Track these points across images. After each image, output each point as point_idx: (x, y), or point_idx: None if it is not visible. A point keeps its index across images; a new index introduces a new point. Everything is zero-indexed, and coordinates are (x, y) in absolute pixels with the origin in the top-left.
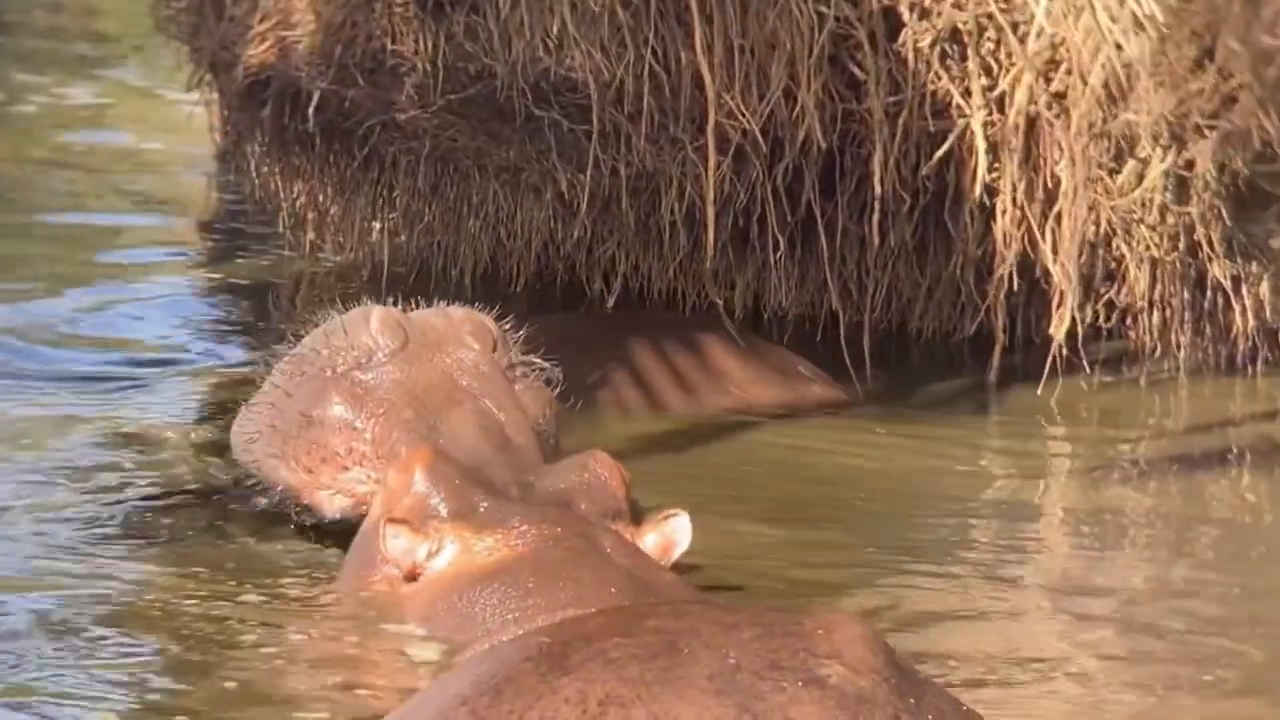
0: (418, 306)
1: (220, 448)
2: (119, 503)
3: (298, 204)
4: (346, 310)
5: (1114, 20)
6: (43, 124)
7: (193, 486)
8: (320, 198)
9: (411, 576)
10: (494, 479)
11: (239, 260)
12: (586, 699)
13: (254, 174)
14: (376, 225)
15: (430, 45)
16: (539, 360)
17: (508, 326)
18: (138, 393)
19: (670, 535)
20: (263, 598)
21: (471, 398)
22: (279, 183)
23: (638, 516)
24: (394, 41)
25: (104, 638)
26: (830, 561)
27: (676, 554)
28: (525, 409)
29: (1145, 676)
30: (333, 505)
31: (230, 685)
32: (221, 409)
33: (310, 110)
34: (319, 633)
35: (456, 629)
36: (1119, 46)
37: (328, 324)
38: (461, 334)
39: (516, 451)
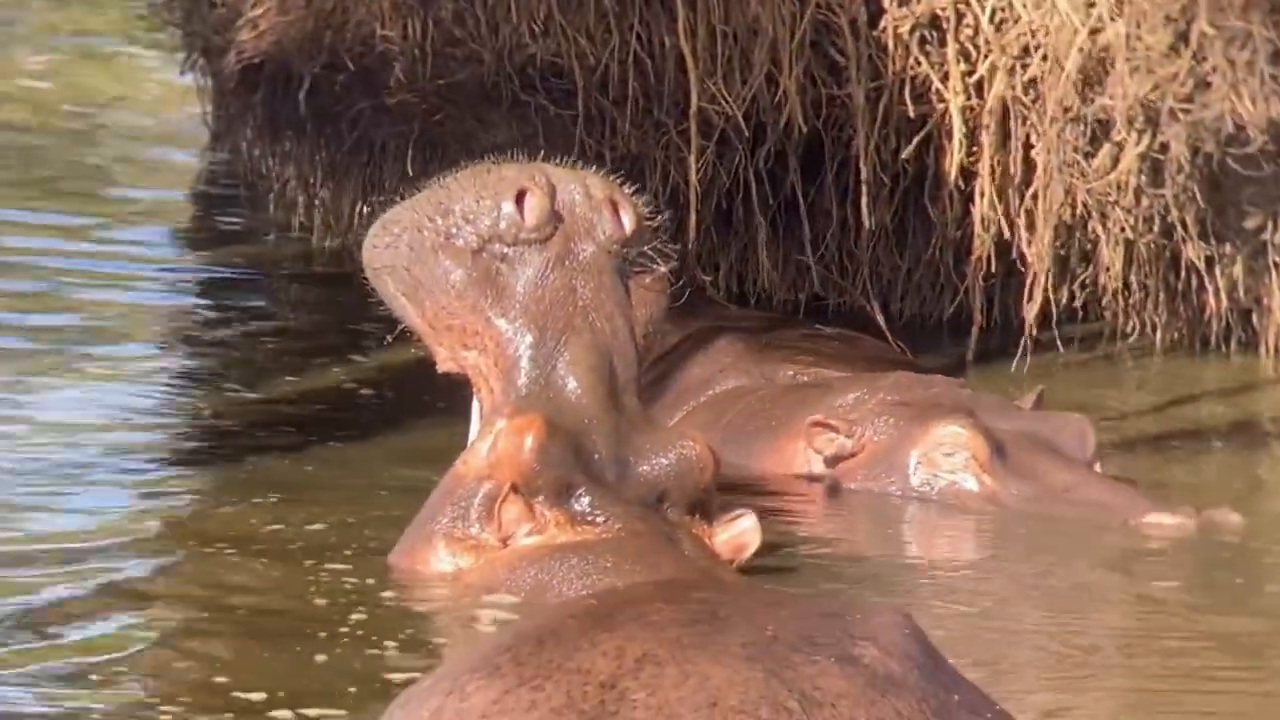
0: (551, 160)
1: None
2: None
3: (288, 187)
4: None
5: (1091, 4)
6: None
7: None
8: (311, 181)
9: (504, 543)
10: (595, 451)
11: (230, 242)
12: (624, 655)
13: (246, 157)
14: (366, 208)
15: (419, 31)
16: (662, 247)
17: (641, 204)
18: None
19: (741, 536)
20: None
21: (590, 327)
22: (270, 166)
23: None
24: (383, 26)
25: (176, 614)
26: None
27: (748, 555)
28: (635, 323)
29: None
30: (443, 362)
31: (317, 649)
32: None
33: (301, 95)
34: (410, 595)
35: (535, 592)
36: (1094, 31)
37: (481, 174)
38: (595, 225)
39: (620, 395)
